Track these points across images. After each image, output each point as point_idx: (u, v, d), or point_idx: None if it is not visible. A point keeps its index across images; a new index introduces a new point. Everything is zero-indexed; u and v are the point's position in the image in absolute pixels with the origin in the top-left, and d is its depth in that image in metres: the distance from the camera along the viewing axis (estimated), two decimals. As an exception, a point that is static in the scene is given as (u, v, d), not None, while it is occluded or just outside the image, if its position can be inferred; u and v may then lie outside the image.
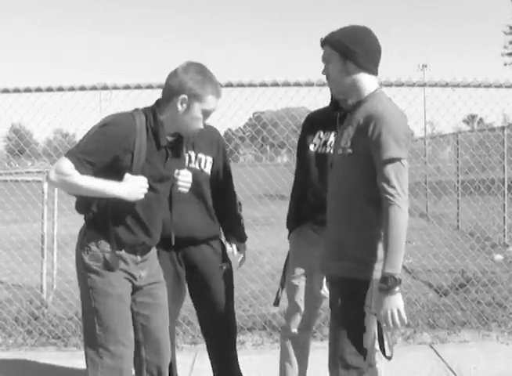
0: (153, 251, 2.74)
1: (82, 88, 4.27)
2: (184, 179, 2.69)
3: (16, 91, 4.28)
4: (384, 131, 2.16)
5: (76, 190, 2.43)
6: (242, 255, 3.19)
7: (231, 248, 3.17)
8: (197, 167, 2.99)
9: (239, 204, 3.20)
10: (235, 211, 3.15)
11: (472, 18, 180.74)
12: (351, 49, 2.26)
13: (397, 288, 2.16)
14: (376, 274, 2.21)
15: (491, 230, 8.85)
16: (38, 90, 4.27)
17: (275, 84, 4.29)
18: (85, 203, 2.51)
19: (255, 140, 6.01)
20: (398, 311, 2.18)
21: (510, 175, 9.17)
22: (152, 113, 2.48)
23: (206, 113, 2.48)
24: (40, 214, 5.78)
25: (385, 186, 2.16)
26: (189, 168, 2.92)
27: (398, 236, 2.14)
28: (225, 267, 3.06)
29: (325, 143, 2.87)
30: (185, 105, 2.43)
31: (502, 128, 9.04)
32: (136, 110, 2.53)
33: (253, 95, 4.36)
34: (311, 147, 2.89)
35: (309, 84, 4.27)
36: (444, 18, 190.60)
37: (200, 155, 3.00)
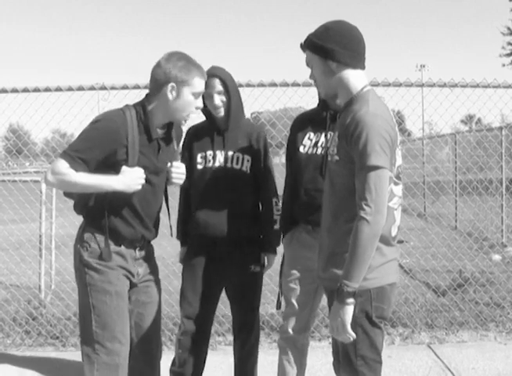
0: (151, 248, 2.75)
1: (80, 89, 4.27)
2: (177, 171, 2.69)
3: (14, 91, 4.28)
4: (365, 137, 2.03)
5: (74, 188, 2.46)
6: (266, 260, 3.18)
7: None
8: (229, 165, 3.00)
9: (276, 203, 3.11)
10: (268, 216, 3.11)
11: (471, 18, 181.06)
12: (327, 48, 2.17)
13: (348, 300, 2.07)
14: (367, 284, 2.13)
15: (489, 230, 8.87)
16: (36, 90, 4.27)
17: (274, 85, 4.29)
18: (83, 201, 2.53)
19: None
20: (342, 324, 2.10)
21: (508, 175, 9.19)
22: (141, 106, 2.51)
23: (196, 96, 2.52)
24: (38, 214, 5.77)
25: (357, 195, 2.06)
26: (226, 168, 2.97)
27: (360, 251, 2.03)
28: (253, 269, 3.07)
29: (316, 144, 2.83)
30: (174, 92, 2.45)
31: (500, 129, 9.03)
32: (126, 105, 2.55)
33: (251, 95, 4.37)
34: (301, 149, 2.85)
35: (307, 85, 4.27)
36: (442, 18, 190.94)
37: (236, 153, 3.00)
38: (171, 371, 3.18)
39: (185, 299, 3.08)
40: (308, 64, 2.30)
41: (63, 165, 2.36)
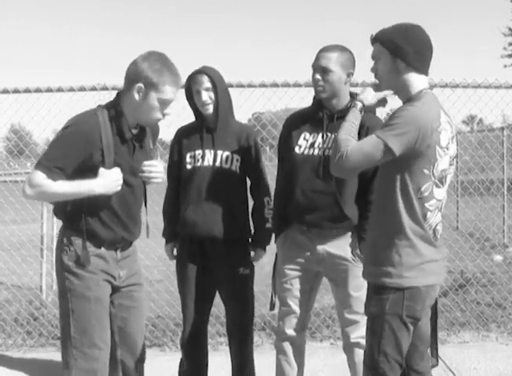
0: (134, 249, 2.71)
1: (81, 89, 4.26)
2: (152, 169, 2.60)
3: (16, 91, 4.27)
4: (396, 118, 2.14)
5: (54, 198, 2.44)
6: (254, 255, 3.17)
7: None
8: (218, 164, 2.99)
9: (268, 202, 3.11)
10: (259, 214, 3.11)
11: (471, 18, 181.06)
12: (401, 47, 2.23)
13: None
14: (402, 282, 2.18)
15: (490, 231, 8.84)
16: (38, 90, 4.27)
17: (275, 85, 4.29)
18: (61, 206, 2.49)
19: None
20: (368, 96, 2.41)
21: (510, 175, 9.17)
22: (113, 106, 2.46)
23: (163, 103, 2.44)
24: (39, 214, 5.77)
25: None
26: (215, 167, 2.96)
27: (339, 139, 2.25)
28: (242, 271, 3.05)
29: (312, 145, 2.79)
30: (141, 94, 2.39)
31: (502, 129, 9.03)
32: (99, 106, 2.51)
33: (252, 95, 4.36)
34: (297, 149, 2.81)
35: (309, 85, 4.26)
36: (442, 18, 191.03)
37: (225, 152, 2.99)
38: (179, 373, 3.20)
39: (183, 303, 3.09)
40: (373, 57, 2.34)
41: (39, 177, 2.31)
